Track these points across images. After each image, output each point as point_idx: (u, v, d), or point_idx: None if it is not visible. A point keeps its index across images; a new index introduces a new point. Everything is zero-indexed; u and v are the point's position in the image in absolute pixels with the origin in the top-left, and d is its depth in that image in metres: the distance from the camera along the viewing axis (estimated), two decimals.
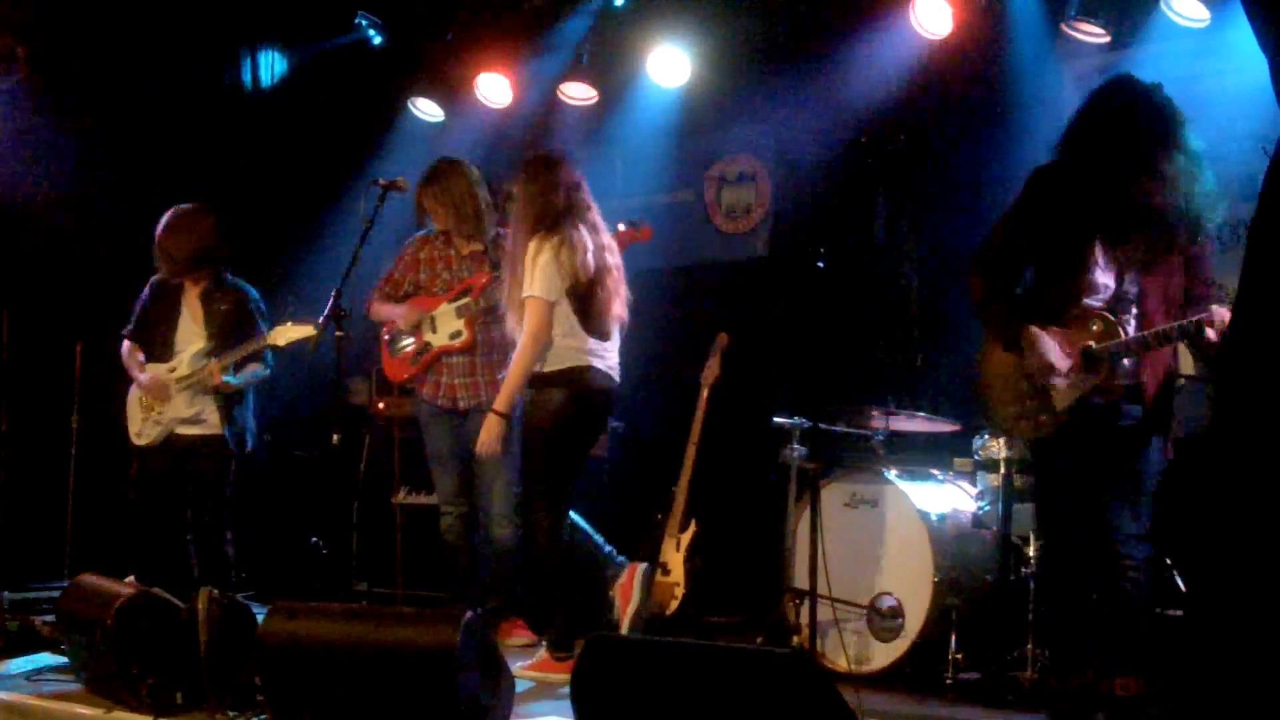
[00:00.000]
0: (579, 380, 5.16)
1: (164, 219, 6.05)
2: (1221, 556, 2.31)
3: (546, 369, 5.17)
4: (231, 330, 5.99)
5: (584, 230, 5.18)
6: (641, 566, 5.56)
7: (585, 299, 5.17)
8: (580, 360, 5.16)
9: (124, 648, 4.25)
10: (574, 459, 5.28)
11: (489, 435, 5.26)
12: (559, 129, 7.91)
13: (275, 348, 5.85)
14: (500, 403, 5.25)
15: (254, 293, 6.20)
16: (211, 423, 6.02)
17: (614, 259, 5.31)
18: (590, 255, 5.14)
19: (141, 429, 6.07)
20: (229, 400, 6.02)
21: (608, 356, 5.28)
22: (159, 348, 6.08)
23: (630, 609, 5.48)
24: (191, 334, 6.05)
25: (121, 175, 7.55)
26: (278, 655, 3.89)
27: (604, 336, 5.25)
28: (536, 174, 5.25)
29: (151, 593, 4.44)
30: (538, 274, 5.08)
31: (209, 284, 6.09)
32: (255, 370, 6.07)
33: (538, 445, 5.20)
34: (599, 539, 5.83)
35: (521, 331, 5.14)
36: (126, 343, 6.19)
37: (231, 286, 6.14)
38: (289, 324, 5.75)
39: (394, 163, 7.24)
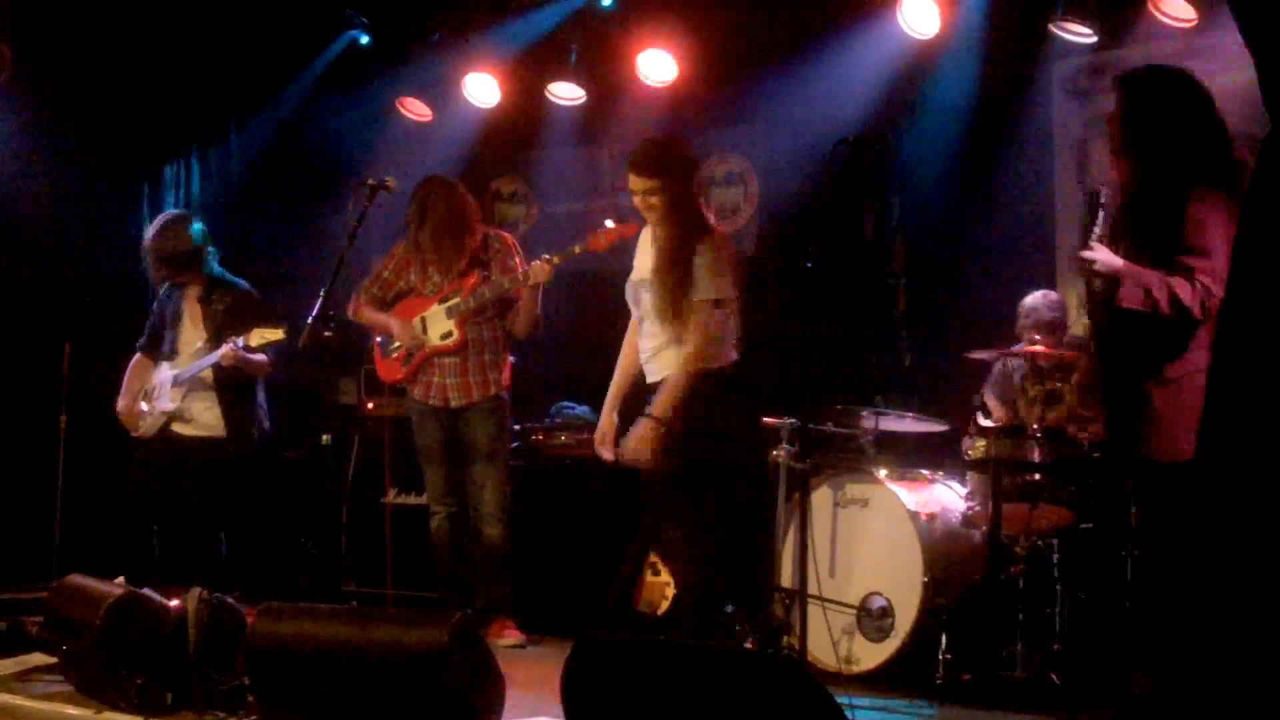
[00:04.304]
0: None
1: (152, 225, 6.21)
2: (1219, 555, 2.31)
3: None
4: (231, 327, 6.01)
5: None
6: None
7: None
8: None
9: (113, 648, 4.23)
10: None
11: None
12: (547, 129, 7.90)
13: (248, 348, 5.86)
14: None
15: (252, 290, 6.24)
16: (207, 423, 6.08)
17: None
18: None
19: (138, 420, 6.18)
20: (231, 399, 6.05)
21: None
22: (167, 352, 6.20)
23: None
24: (193, 336, 6.15)
25: (110, 176, 7.53)
26: (267, 656, 3.89)
27: None
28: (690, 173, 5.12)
29: (140, 593, 4.42)
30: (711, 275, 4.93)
31: (204, 286, 6.17)
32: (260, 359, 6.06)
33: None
34: None
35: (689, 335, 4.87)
36: (137, 355, 6.30)
37: (229, 286, 6.20)
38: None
39: (381, 163, 7.21)
